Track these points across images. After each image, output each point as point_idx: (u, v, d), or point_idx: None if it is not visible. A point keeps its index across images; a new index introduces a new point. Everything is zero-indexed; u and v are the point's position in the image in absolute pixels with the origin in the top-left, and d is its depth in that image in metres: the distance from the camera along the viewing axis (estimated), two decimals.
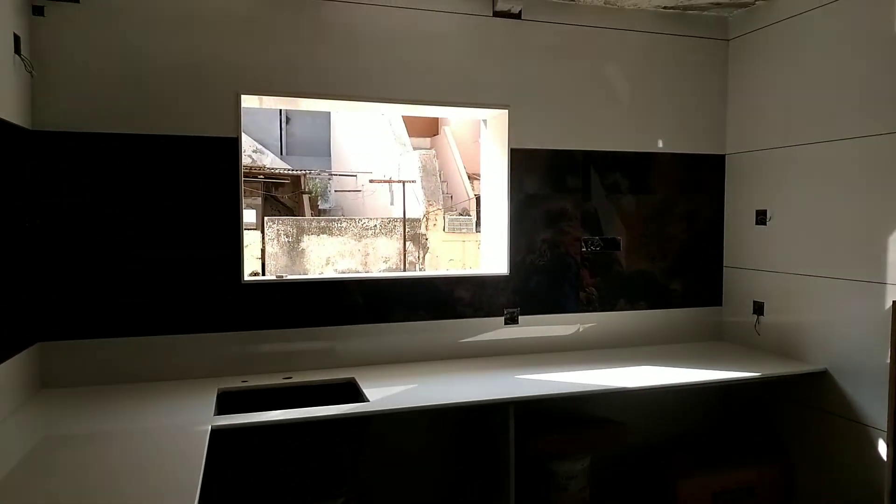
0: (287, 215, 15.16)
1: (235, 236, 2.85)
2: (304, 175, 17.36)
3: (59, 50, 2.61)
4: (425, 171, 13.85)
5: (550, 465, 3.00)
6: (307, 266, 11.51)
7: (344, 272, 11.69)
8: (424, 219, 12.88)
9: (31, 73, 2.53)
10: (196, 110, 2.77)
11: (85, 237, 2.67)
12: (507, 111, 3.24)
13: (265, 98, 3.02)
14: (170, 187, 2.76)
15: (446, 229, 12.77)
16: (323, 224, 11.81)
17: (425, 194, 13.32)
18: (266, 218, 11.94)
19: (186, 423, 2.22)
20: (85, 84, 2.64)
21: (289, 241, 11.32)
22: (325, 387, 2.80)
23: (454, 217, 13.39)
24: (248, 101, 2.93)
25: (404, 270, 11.96)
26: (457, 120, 14.51)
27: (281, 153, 20.06)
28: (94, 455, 1.96)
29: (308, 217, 14.14)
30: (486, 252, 3.56)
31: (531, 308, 3.31)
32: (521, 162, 3.28)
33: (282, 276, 3.02)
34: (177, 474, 1.81)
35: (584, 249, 3.40)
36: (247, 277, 2.90)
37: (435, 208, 13.13)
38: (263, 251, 11.13)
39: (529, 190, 3.30)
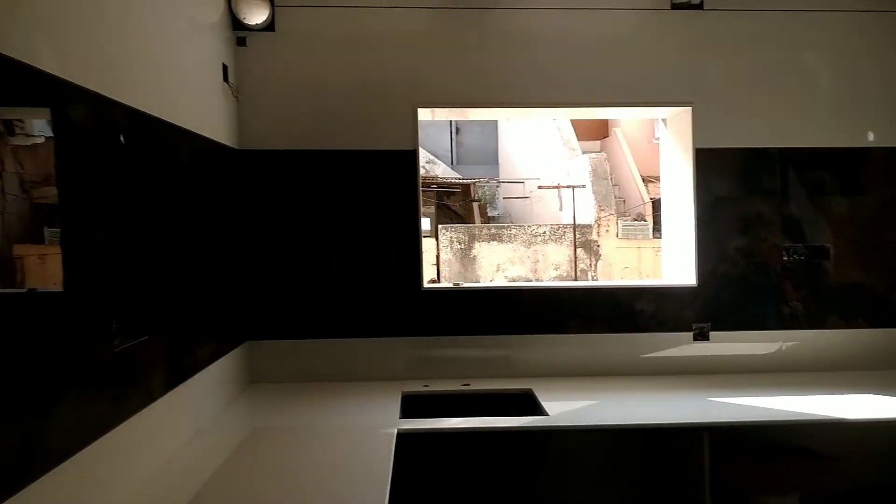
0: (458, 223, 15.60)
1: (415, 245, 2.96)
2: (474, 183, 17.74)
3: (258, 75, 2.89)
4: (595, 174, 13.48)
5: (754, 499, 2.71)
6: (479, 272, 11.74)
7: (514, 279, 11.74)
8: (596, 225, 12.53)
9: (236, 98, 2.84)
10: (377, 125, 2.92)
11: (282, 245, 2.93)
12: (689, 109, 3.02)
13: (437, 110, 3.10)
14: (355, 199, 2.94)
15: (620, 235, 12.30)
16: (493, 231, 11.97)
17: (596, 199, 12.96)
18: (440, 226, 12.38)
19: (376, 424, 2.33)
20: (280, 105, 2.90)
21: (461, 248, 11.62)
22: (502, 396, 2.79)
23: (628, 223, 12.87)
24: (422, 115, 3.03)
25: (575, 278, 11.71)
26: (628, 119, 13.94)
27: (452, 163, 20.71)
28: (295, 447, 2.12)
29: (478, 224, 14.43)
30: (670, 261, 3.33)
31: (724, 323, 3.03)
32: (708, 162, 3.03)
33: (458, 284, 3.07)
34: (369, 471, 1.89)
35: (785, 258, 3.05)
36: (426, 284, 2.99)
37: (607, 213, 12.72)
38: (438, 258, 11.54)
39: (718, 192, 3.03)
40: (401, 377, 2.93)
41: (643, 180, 13.82)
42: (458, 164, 21.05)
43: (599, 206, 12.79)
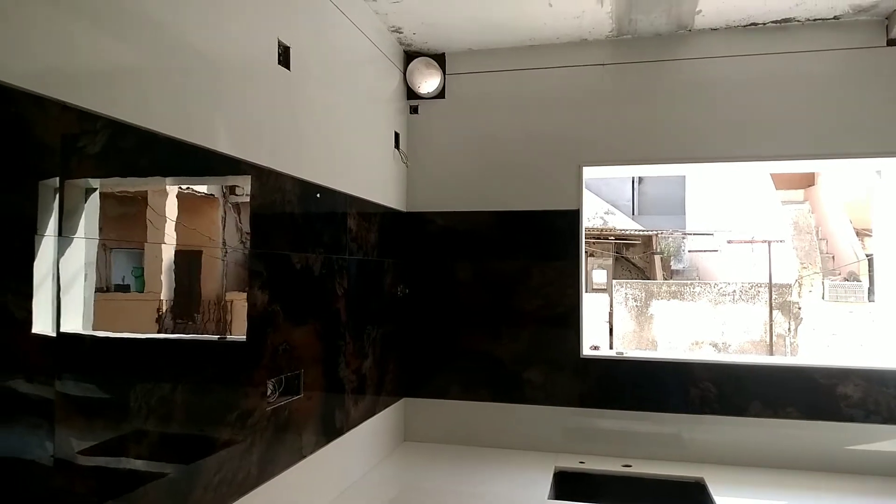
0: (638, 276, 14.86)
1: (576, 310, 2.80)
2: (656, 235, 16.88)
3: (426, 140, 2.98)
4: (797, 228, 12.08)
5: None
6: (654, 334, 10.97)
7: (697, 343, 10.78)
8: (797, 284, 11.14)
9: (405, 164, 2.95)
10: (541, 185, 2.85)
11: (441, 305, 2.94)
12: None
13: (605, 168, 2.95)
14: (516, 259, 2.87)
15: (826, 297, 10.78)
16: (674, 288, 11.16)
17: (797, 255, 11.56)
18: (614, 281, 11.86)
19: (525, 500, 2.19)
20: (446, 168, 2.96)
21: (636, 305, 10.99)
22: (667, 483, 2.49)
23: (837, 282, 11.25)
24: (589, 173, 2.90)
25: (770, 344, 10.44)
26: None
27: (633, 213, 19.95)
28: None
29: (658, 280, 13.59)
30: (887, 333, 2.79)
31: None
32: None
33: (622, 353, 2.84)
34: None
35: None
36: (586, 351, 2.81)
37: (811, 271, 11.26)
38: (611, 315, 11.02)
39: None
40: (555, 449, 2.76)
41: (857, 234, 12.10)
42: (639, 214, 20.23)
43: (802, 264, 11.37)
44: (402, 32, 2.74)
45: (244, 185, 1.66)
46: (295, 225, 1.94)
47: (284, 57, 1.85)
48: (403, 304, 2.93)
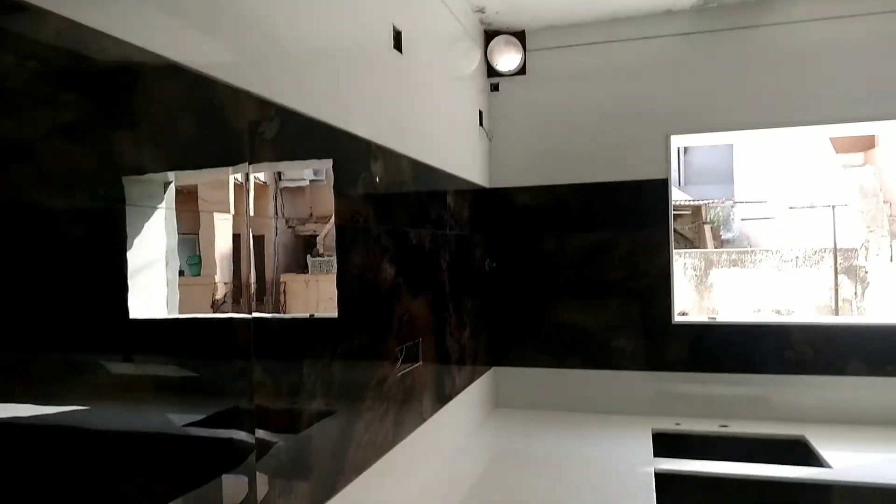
0: (687, 247, 14.64)
1: (666, 277, 2.85)
2: (706, 205, 16.57)
3: (507, 117, 3.04)
4: (861, 191, 11.69)
5: None
6: (715, 302, 10.83)
7: (759, 310, 10.61)
8: (863, 248, 10.82)
9: (489, 139, 3.02)
10: (625, 156, 2.88)
11: (525, 277, 3.02)
12: None
13: (692, 136, 2.96)
14: (604, 230, 2.92)
15: (894, 259, 10.45)
16: (734, 256, 10.97)
17: (863, 219, 11.21)
18: (675, 251, 11.70)
19: (628, 461, 2.27)
20: (528, 143, 3.01)
21: (696, 275, 10.85)
22: (768, 441, 2.54)
23: None
24: (676, 141, 2.92)
25: (836, 309, 10.20)
26: None
27: (679, 184, 19.59)
28: (552, 474, 2.16)
29: (717, 249, 13.38)
30: None
31: None
32: None
33: (714, 318, 2.88)
34: None
35: None
36: (677, 317, 2.86)
37: (878, 235, 10.91)
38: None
39: None
40: (649, 412, 2.83)
41: None
42: (685, 184, 19.84)
43: (868, 228, 11.02)
44: (484, 12, 2.80)
45: (376, 166, 1.76)
46: (410, 203, 2.04)
47: (397, 41, 1.94)
48: (491, 277, 3.02)
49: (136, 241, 0.95)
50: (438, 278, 2.30)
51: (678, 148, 20.42)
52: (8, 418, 0.75)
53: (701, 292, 10.86)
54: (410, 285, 2.01)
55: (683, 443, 2.62)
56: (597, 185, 2.92)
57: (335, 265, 1.58)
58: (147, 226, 0.98)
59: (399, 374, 1.91)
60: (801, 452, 2.43)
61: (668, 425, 2.69)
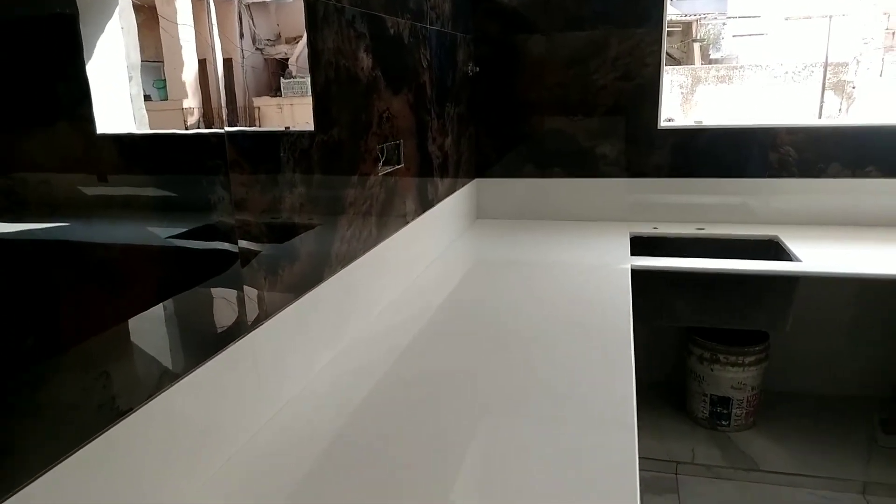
0: (673, 65, 14.20)
1: (655, 83, 2.74)
2: (697, 20, 15.80)
3: None
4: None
5: None
6: (699, 120, 10.69)
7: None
8: (854, 62, 10.52)
9: None
10: None
11: (509, 83, 2.88)
12: None
13: None
14: (591, 29, 2.74)
15: (882, 74, 10.23)
16: (722, 73, 10.65)
17: (860, 31, 10.74)
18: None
19: (604, 260, 2.34)
20: None
21: (682, 93, 10.61)
22: (741, 241, 2.62)
23: None
24: None
25: None
26: None
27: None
28: (523, 273, 2.23)
29: (704, 66, 12.98)
30: None
31: None
32: None
33: (700, 122, 2.82)
34: (610, 301, 1.92)
35: None
36: (662, 123, 2.79)
37: (873, 47, 10.55)
38: None
39: None
40: (629, 218, 2.87)
41: None
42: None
43: (863, 41, 10.62)
44: None
45: None
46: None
47: None
48: (473, 83, 2.88)
49: (93, 51, 0.84)
50: (419, 78, 2.17)
51: None
52: None
53: (686, 110, 10.69)
54: (390, 80, 1.89)
55: (660, 244, 2.69)
56: None
57: (308, 80, 1.47)
58: (102, 38, 0.87)
59: (381, 175, 1.87)
60: (773, 250, 2.51)
61: (647, 229, 2.75)
